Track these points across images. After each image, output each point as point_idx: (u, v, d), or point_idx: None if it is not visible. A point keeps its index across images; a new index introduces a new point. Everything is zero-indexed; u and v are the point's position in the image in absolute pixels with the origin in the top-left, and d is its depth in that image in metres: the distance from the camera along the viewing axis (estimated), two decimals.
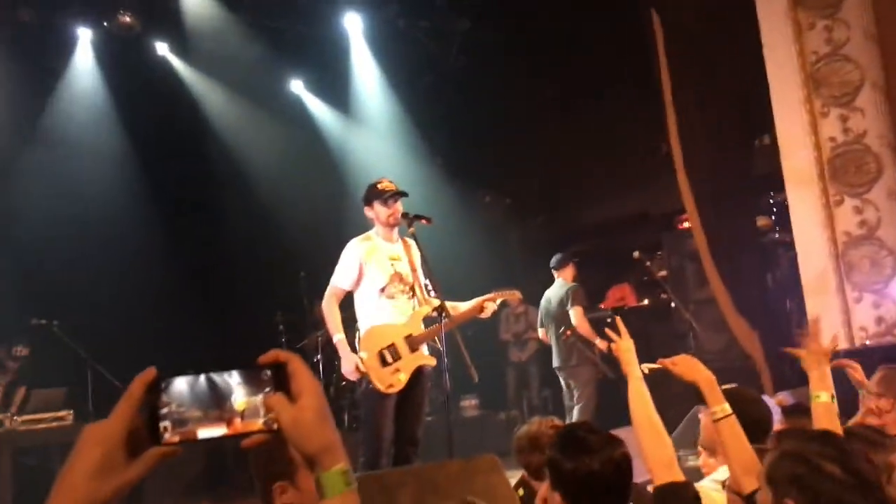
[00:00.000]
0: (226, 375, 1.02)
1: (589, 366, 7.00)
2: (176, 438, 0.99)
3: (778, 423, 3.97)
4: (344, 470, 1.00)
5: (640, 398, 2.46)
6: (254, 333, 8.10)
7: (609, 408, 6.55)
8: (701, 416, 2.83)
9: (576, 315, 6.95)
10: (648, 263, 7.38)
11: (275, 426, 1.00)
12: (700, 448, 2.88)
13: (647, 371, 7.55)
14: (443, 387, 4.13)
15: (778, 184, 6.74)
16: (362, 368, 3.98)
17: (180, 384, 1.01)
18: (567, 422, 6.93)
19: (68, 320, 6.33)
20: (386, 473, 3.35)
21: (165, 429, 0.99)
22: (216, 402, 1.01)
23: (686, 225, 7.95)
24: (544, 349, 8.98)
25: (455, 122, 9.92)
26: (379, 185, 4.21)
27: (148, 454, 0.97)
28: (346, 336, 4.17)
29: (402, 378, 4.02)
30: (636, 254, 7.36)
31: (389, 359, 4.03)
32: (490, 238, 10.52)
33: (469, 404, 7.74)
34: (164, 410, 1.00)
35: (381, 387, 3.97)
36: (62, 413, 6.14)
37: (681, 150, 7.02)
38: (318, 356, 7.70)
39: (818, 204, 6.15)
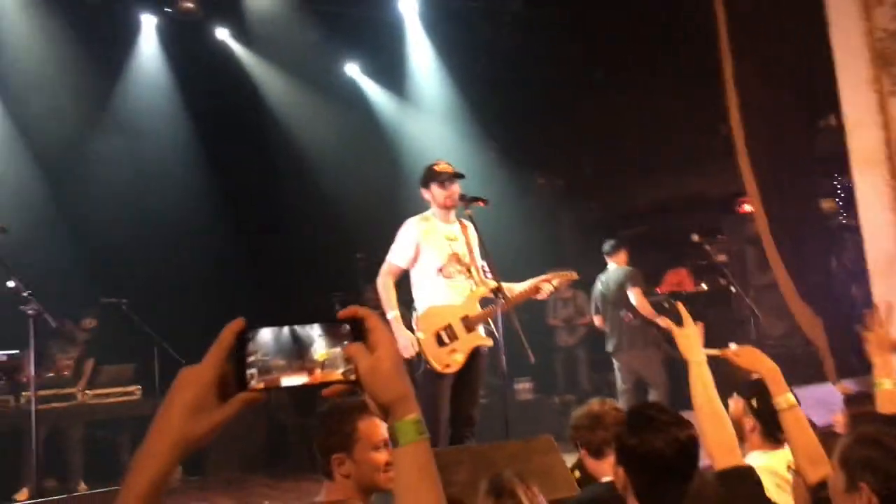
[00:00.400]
0: (308, 328, 1.08)
1: (654, 348, 6.92)
2: (261, 385, 1.05)
3: (839, 412, 3.89)
4: (417, 419, 1.06)
5: (701, 382, 2.45)
6: (310, 314, 8.22)
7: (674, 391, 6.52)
8: (730, 401, 2.81)
9: (636, 297, 6.87)
10: (708, 247, 7.25)
11: (352, 377, 1.06)
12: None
13: (708, 356, 7.37)
14: (499, 369, 4.16)
15: (843, 166, 6.55)
16: (416, 346, 4.02)
17: (265, 334, 1.08)
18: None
19: (136, 299, 6.54)
20: (443, 452, 3.39)
21: (251, 376, 1.05)
22: (298, 353, 1.07)
23: (746, 208, 7.80)
24: (592, 334, 8.96)
25: (508, 103, 9.87)
26: (436, 168, 4.23)
27: (236, 398, 1.03)
28: (402, 317, 4.22)
29: (459, 358, 4.05)
30: (695, 237, 7.23)
31: (446, 339, 4.06)
32: (543, 221, 10.47)
33: (524, 387, 7.75)
34: (251, 358, 1.06)
35: (437, 367, 4.01)
36: (131, 388, 6.38)
37: (742, 130, 6.85)
38: None
39: (885, 186, 5.95)
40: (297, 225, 8.80)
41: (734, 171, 6.97)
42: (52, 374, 6.28)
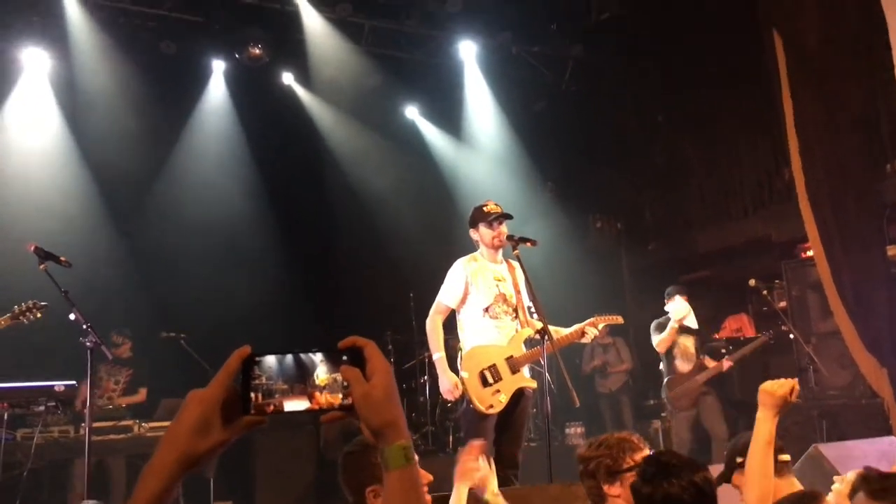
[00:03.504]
0: (310, 354, 1.13)
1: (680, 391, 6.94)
2: (264, 410, 1.12)
3: None
4: (405, 446, 1.11)
5: (763, 437, 2.40)
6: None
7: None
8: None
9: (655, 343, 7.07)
10: (765, 292, 7.05)
11: (348, 401, 1.11)
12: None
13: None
14: (543, 410, 4.12)
15: None
16: (460, 388, 4.02)
17: (270, 360, 1.15)
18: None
19: (195, 334, 6.73)
20: None
21: (256, 399, 1.12)
22: (301, 377, 1.14)
23: (809, 254, 7.58)
24: (633, 379, 8.85)
25: (566, 147, 9.90)
26: (484, 208, 4.27)
27: (239, 422, 1.11)
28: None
29: (503, 399, 4.04)
30: (752, 282, 7.05)
31: (490, 379, 4.05)
32: (600, 264, 10.38)
33: (575, 431, 7.64)
34: (256, 382, 1.13)
35: (481, 407, 3.99)
36: None
37: (803, 175, 6.71)
38: (425, 376, 7.82)
39: None
40: (355, 265, 8.95)
41: (796, 216, 6.81)
42: (101, 399, 6.44)
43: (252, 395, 1.11)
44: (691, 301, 7.23)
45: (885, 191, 6.95)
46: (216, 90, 8.65)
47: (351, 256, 9.03)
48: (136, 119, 7.84)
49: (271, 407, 1.12)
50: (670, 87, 9.46)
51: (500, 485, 4.02)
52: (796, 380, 2.56)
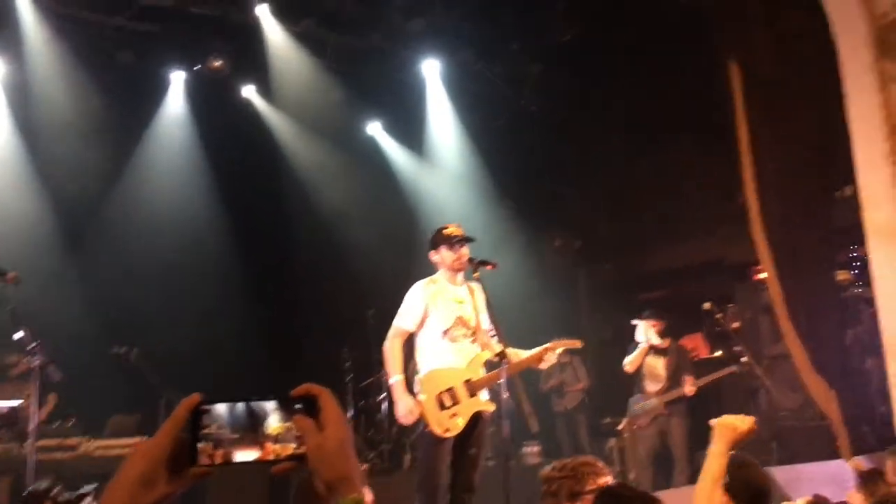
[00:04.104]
0: (263, 403, 1.10)
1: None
2: (212, 461, 1.08)
3: (854, 488, 3.80)
4: (358, 500, 1.07)
5: (711, 474, 2.44)
6: (321, 369, 8.24)
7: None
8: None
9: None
10: (720, 315, 7.18)
11: (301, 450, 1.08)
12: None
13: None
14: (502, 434, 4.12)
15: (860, 237, 6.50)
16: (416, 413, 4.00)
17: (221, 408, 1.11)
18: None
19: (145, 349, 6.59)
20: None
21: (204, 450, 1.08)
22: (252, 427, 1.11)
23: (761, 276, 7.75)
24: (589, 398, 8.94)
25: (526, 165, 9.97)
26: (445, 231, 4.26)
27: (185, 474, 1.07)
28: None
29: (460, 423, 4.02)
30: (707, 305, 7.18)
31: (448, 402, 4.04)
32: (558, 282, 10.45)
33: (531, 451, 7.65)
34: (205, 432, 1.09)
35: (438, 430, 3.97)
36: (136, 440, 6.35)
37: (757, 200, 6.86)
38: (383, 394, 7.77)
39: None
40: (312, 280, 8.87)
41: (750, 238, 6.94)
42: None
43: (201, 445, 1.08)
44: (653, 313, 7.43)
45: (835, 217, 7.12)
46: (174, 102, 8.51)
47: (310, 269, 8.96)
48: (92, 130, 7.68)
49: (220, 458, 1.08)
50: (628, 108, 9.60)
51: None
52: (753, 418, 2.57)
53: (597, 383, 8.98)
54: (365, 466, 7.36)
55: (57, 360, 4.61)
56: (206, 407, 1.10)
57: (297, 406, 1.10)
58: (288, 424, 1.09)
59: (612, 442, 8.70)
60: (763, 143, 6.81)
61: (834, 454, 5.94)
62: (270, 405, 1.11)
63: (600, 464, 2.63)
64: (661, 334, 7.29)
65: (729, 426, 2.51)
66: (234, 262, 8.39)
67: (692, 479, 6.88)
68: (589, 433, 9.02)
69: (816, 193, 6.90)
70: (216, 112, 8.66)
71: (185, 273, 7.85)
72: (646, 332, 7.21)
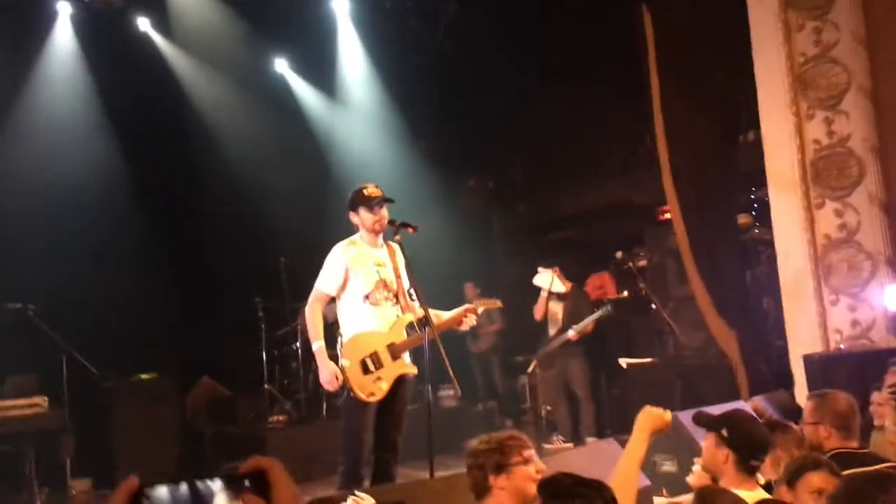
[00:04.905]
0: (208, 482, 1.04)
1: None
2: None
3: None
4: None
5: (634, 455, 2.59)
6: (233, 318, 8.05)
7: None
8: (703, 442, 2.90)
9: None
10: (631, 264, 7.44)
11: None
12: (701, 469, 2.94)
13: (624, 365, 7.61)
14: (424, 399, 4.15)
15: (759, 181, 6.77)
16: (340, 378, 3.96)
17: (162, 492, 1.03)
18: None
19: (43, 305, 6.23)
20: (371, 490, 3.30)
21: None
22: None
23: (667, 216, 7.99)
24: (503, 340, 9.19)
25: (440, 105, 9.83)
26: (365, 192, 4.14)
27: None
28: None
29: (384, 387, 4.00)
30: (619, 254, 7.40)
31: (371, 367, 4.00)
32: (472, 223, 10.50)
33: (447, 394, 7.77)
34: None
35: (362, 395, 3.95)
36: (36, 399, 6.07)
37: (666, 145, 7.00)
38: (297, 343, 7.68)
39: (800, 206, 6.20)
40: (220, 226, 8.52)
41: (659, 180, 7.12)
42: None
43: None
44: (558, 258, 7.67)
45: (738, 161, 7.37)
46: (62, 36, 7.84)
47: (217, 217, 8.58)
48: None
49: None
50: (544, 49, 9.55)
51: (381, 470, 4.06)
52: (671, 413, 2.74)
53: (509, 324, 9.16)
54: (283, 417, 7.33)
55: None
56: (147, 490, 1.01)
57: (245, 484, 1.03)
58: None
59: (524, 380, 8.98)
60: (672, 89, 6.93)
61: (733, 390, 6.29)
62: (216, 485, 1.04)
63: (524, 437, 2.69)
64: (562, 278, 7.55)
65: (652, 416, 2.70)
66: (135, 209, 7.93)
67: (598, 417, 7.26)
68: (502, 372, 9.25)
69: (721, 139, 7.11)
70: (109, 48, 8.04)
71: (82, 224, 7.38)
72: (546, 279, 7.51)
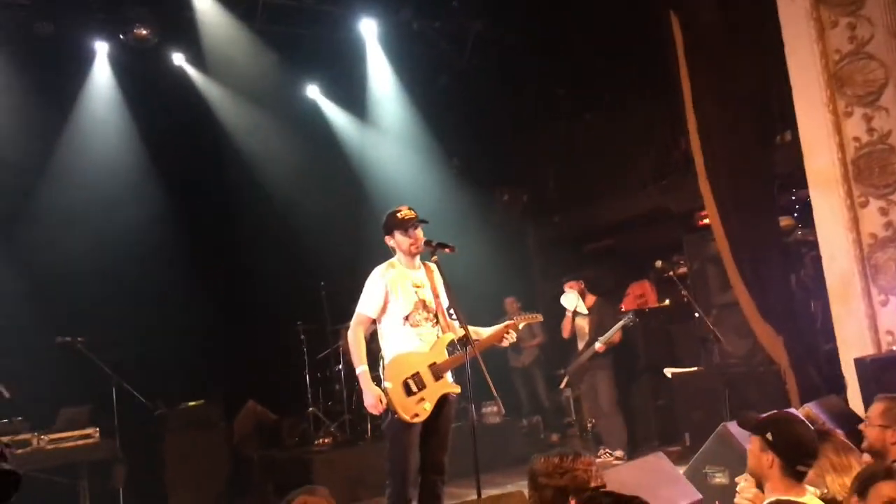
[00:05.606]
0: None
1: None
2: None
3: None
4: None
5: None
6: (276, 342, 8.13)
7: None
8: (748, 446, 2.80)
9: None
10: (671, 273, 7.38)
11: None
12: (747, 475, 2.84)
13: (669, 375, 7.51)
14: (468, 418, 4.14)
15: (800, 181, 6.64)
16: (384, 401, 3.96)
17: None
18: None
19: (92, 337, 6.37)
20: None
21: None
22: None
23: (705, 221, 7.88)
24: (545, 353, 9.15)
25: (470, 122, 9.86)
26: (399, 215, 4.15)
27: None
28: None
29: (427, 407, 4.00)
30: (659, 263, 7.33)
31: (414, 388, 4.00)
32: (507, 237, 10.48)
33: (491, 410, 7.75)
34: None
35: (406, 417, 3.95)
36: (88, 430, 6.20)
37: (700, 150, 6.92)
38: (339, 365, 7.72)
39: (843, 206, 6.05)
40: (259, 252, 8.63)
41: (695, 186, 7.04)
42: None
43: None
44: (597, 269, 7.64)
45: (775, 163, 7.25)
46: (101, 74, 8.07)
47: (256, 244, 8.69)
48: (12, 110, 7.23)
49: None
50: (571, 61, 9.53)
51: (427, 491, 4.05)
52: None
53: (551, 336, 9.09)
54: (328, 439, 7.36)
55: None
56: None
57: None
58: None
59: (569, 392, 8.90)
60: (705, 94, 6.85)
61: (783, 397, 6.14)
62: None
63: (594, 468, 2.54)
64: (583, 293, 7.64)
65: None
66: (177, 241, 8.07)
67: (627, 430, 7.29)
68: (546, 386, 9.18)
69: (756, 141, 7.00)
70: (146, 84, 8.24)
71: (127, 256, 7.54)
72: (572, 300, 7.62)
